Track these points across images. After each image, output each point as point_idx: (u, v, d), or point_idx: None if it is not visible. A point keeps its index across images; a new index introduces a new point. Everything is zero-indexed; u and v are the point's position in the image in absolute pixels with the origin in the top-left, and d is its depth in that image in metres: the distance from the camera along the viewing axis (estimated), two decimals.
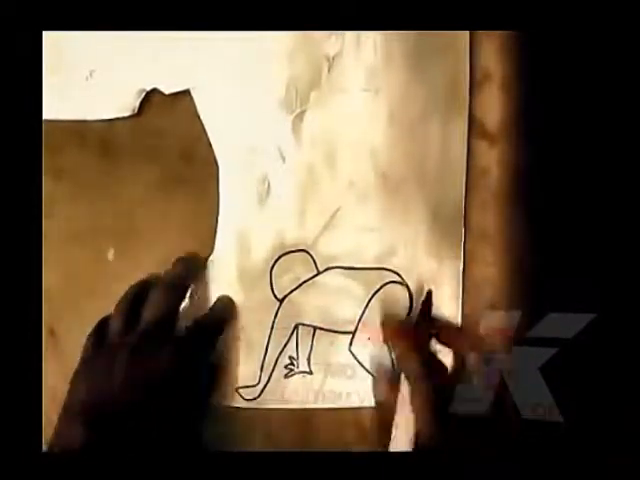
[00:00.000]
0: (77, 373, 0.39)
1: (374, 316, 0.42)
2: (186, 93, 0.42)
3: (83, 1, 0.38)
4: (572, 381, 0.41)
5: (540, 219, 0.43)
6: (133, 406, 0.37)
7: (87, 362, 0.39)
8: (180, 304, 0.41)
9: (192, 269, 0.42)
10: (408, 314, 0.43)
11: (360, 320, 0.43)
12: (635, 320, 0.41)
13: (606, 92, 0.42)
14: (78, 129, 0.43)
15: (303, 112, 0.42)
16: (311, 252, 0.43)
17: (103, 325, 0.40)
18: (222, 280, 0.43)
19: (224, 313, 0.42)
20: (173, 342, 0.39)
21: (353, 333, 0.43)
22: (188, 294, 0.42)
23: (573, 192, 0.43)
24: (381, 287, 0.43)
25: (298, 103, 0.42)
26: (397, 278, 0.43)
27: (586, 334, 0.40)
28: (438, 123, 0.42)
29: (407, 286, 0.42)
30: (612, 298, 0.42)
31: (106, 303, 0.41)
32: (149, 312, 0.39)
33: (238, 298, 0.43)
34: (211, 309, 0.42)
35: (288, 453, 0.41)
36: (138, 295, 0.40)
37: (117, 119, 0.42)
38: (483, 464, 0.36)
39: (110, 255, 0.43)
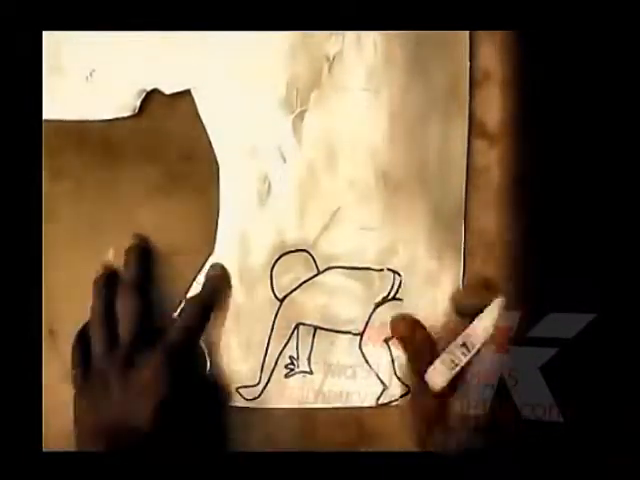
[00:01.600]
0: (76, 395, 0.40)
1: (381, 316, 0.43)
2: (187, 93, 0.42)
3: (83, 1, 0.38)
4: (572, 381, 0.41)
5: (540, 219, 0.43)
6: (138, 418, 0.38)
7: (80, 386, 0.40)
8: (146, 300, 0.41)
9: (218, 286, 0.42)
10: None
11: (369, 320, 0.43)
12: (635, 320, 0.41)
13: (606, 92, 0.42)
14: (78, 129, 0.43)
15: (303, 112, 0.42)
16: (311, 252, 0.43)
17: (83, 337, 0.41)
18: None
19: (217, 285, 0.42)
20: (164, 340, 0.40)
21: (362, 332, 0.43)
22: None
23: (573, 192, 0.43)
24: (390, 289, 0.43)
25: (298, 103, 0.42)
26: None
27: (586, 334, 0.40)
28: (438, 123, 0.42)
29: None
30: (612, 298, 0.42)
31: None
32: (126, 318, 0.40)
33: (238, 298, 0.43)
34: (204, 282, 0.42)
35: (288, 453, 0.41)
36: (106, 297, 0.41)
37: (117, 119, 0.42)
38: (483, 464, 0.36)
39: (110, 255, 0.43)
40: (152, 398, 0.38)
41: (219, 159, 0.42)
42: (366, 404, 0.43)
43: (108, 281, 0.42)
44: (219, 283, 0.42)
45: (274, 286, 0.42)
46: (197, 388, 0.41)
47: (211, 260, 0.42)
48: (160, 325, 0.41)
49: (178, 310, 0.42)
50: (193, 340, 0.41)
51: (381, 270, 0.43)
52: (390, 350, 0.43)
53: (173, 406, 0.38)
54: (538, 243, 0.43)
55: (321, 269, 0.43)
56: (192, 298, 0.42)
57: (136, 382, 0.38)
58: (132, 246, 0.42)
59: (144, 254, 0.42)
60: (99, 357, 0.40)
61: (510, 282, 0.43)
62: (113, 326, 0.40)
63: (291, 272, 0.43)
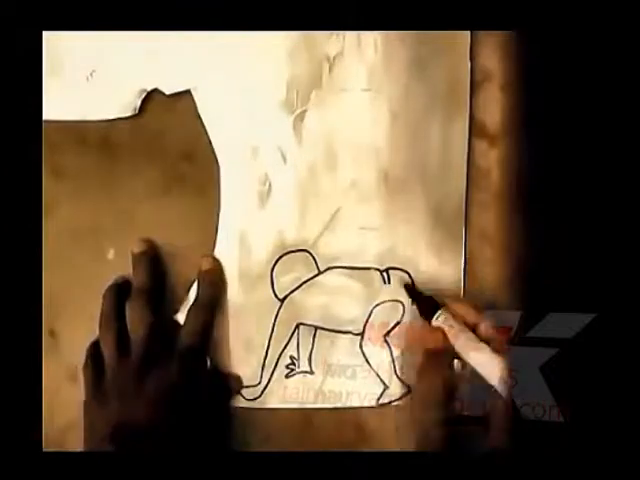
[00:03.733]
0: (86, 404, 0.40)
1: (381, 316, 0.43)
2: (187, 93, 0.42)
3: (83, 1, 0.38)
4: (572, 381, 0.41)
5: (540, 219, 0.43)
6: (149, 418, 0.38)
7: (92, 392, 0.40)
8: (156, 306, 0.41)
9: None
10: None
11: (368, 320, 0.43)
12: (635, 320, 0.41)
13: (606, 92, 0.42)
14: (78, 129, 0.43)
15: (304, 112, 0.42)
16: (312, 252, 0.43)
17: (94, 349, 0.41)
18: None
19: (213, 289, 0.42)
20: (172, 349, 0.40)
21: (362, 332, 0.43)
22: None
23: (573, 192, 0.43)
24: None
25: (299, 103, 0.42)
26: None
27: (586, 334, 0.40)
28: (439, 123, 0.42)
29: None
30: (612, 298, 0.42)
31: None
32: (136, 327, 0.40)
33: (239, 298, 0.43)
34: (199, 281, 0.42)
35: (288, 453, 0.41)
36: (117, 305, 0.41)
37: (118, 119, 0.42)
38: (483, 464, 0.36)
39: (110, 255, 0.43)
40: (164, 402, 0.38)
41: (219, 159, 0.42)
42: (366, 404, 0.43)
43: (119, 289, 0.41)
44: (214, 280, 0.42)
45: (274, 286, 0.42)
46: (202, 388, 0.41)
47: None
48: (166, 326, 0.41)
49: (182, 312, 0.42)
50: (202, 342, 0.41)
51: (381, 270, 0.43)
52: (390, 350, 0.43)
53: (179, 408, 0.39)
54: (538, 243, 0.43)
55: (321, 269, 0.43)
56: (193, 304, 0.42)
57: (149, 388, 0.38)
58: (139, 252, 0.42)
59: (152, 260, 0.42)
60: (111, 365, 0.40)
61: (510, 282, 0.43)
62: (124, 333, 0.40)
63: (291, 272, 0.43)
